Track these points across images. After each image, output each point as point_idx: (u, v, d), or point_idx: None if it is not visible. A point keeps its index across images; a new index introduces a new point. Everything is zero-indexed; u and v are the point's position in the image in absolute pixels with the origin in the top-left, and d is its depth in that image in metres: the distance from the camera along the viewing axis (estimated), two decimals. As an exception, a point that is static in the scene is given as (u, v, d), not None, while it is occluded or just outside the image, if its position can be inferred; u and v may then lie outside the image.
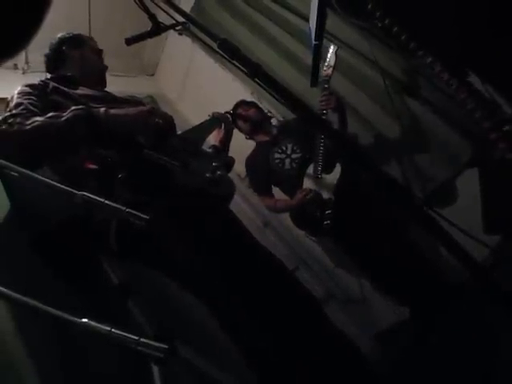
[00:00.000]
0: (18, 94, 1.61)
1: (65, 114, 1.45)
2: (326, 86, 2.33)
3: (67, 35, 1.96)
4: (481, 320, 1.66)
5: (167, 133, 1.70)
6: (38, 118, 1.45)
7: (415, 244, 2.35)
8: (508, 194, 1.96)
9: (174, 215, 1.51)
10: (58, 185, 0.96)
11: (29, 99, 1.58)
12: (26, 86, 1.67)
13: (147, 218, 0.93)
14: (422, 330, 2.14)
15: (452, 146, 2.48)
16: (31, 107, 1.54)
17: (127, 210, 0.93)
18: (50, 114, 1.47)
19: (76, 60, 1.92)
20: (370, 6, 1.31)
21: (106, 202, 0.95)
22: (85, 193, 0.95)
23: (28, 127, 1.41)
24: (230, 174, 1.87)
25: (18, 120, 1.44)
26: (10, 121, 1.44)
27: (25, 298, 0.72)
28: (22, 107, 1.52)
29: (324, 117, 2.32)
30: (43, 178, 0.95)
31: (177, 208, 1.52)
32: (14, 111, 1.50)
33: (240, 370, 1.54)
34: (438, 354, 1.75)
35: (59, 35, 1.97)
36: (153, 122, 1.60)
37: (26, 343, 1.23)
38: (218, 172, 1.62)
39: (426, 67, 1.35)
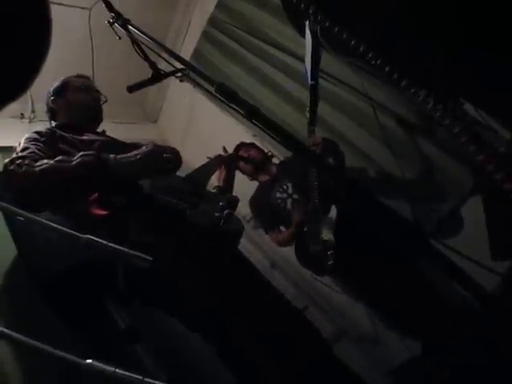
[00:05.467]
0: (26, 139, 1.59)
1: (74, 158, 1.44)
2: (312, 128, 2.26)
3: (52, 89, 1.97)
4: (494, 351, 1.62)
5: (178, 166, 1.73)
6: (47, 161, 1.43)
7: (422, 277, 2.32)
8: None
9: (184, 254, 1.50)
10: (63, 229, 0.98)
11: (36, 145, 1.57)
12: (34, 132, 1.66)
13: (150, 259, 0.94)
14: (434, 367, 2.08)
15: (454, 175, 2.49)
16: (38, 152, 1.52)
17: (130, 251, 0.94)
18: (58, 158, 1.45)
19: (63, 109, 1.92)
20: (361, 49, 1.34)
21: (110, 244, 0.96)
22: (89, 236, 0.97)
23: (37, 169, 1.39)
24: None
25: (27, 162, 1.42)
26: (18, 162, 1.42)
27: (30, 341, 0.72)
28: (29, 151, 1.50)
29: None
30: (48, 222, 0.97)
31: (187, 247, 1.52)
32: (20, 154, 1.47)
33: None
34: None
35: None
36: (162, 163, 1.59)
37: None
38: (226, 211, 1.65)
39: (420, 102, 1.37)
